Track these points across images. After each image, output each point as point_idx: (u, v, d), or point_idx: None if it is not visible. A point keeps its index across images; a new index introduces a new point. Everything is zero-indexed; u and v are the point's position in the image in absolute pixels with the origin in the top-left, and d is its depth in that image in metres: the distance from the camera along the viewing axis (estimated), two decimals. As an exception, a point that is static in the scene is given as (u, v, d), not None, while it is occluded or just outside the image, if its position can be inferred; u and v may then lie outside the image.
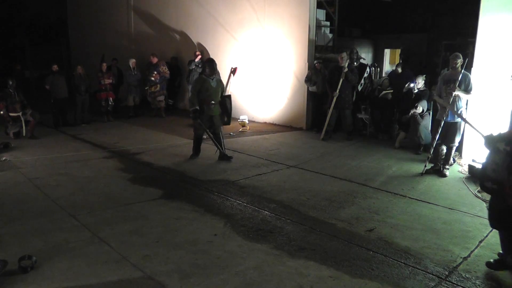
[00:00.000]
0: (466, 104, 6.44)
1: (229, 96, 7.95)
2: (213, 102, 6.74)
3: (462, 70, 6.13)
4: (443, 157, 6.42)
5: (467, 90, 6.11)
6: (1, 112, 8.73)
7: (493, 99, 6.47)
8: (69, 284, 3.36)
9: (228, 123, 7.78)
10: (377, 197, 5.43)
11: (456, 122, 6.23)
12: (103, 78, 10.71)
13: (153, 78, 11.20)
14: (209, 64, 6.90)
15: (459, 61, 6.12)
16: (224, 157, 7.04)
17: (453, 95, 6.09)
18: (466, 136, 6.93)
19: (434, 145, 6.50)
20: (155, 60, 11.35)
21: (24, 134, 8.76)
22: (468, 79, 6.12)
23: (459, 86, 6.09)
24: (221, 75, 10.79)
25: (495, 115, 6.44)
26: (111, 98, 10.84)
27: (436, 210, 5.00)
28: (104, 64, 10.90)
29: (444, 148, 6.40)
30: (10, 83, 8.77)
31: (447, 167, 6.36)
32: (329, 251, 3.95)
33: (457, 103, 6.18)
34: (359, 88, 8.99)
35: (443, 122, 6.22)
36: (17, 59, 15.68)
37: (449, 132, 6.29)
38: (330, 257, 3.83)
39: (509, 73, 6.23)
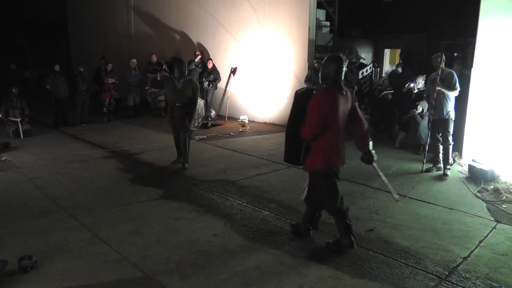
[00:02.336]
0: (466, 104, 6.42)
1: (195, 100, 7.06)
2: (177, 104, 6.47)
3: (446, 68, 6.20)
4: (442, 157, 6.41)
5: (450, 86, 6.10)
6: (0, 116, 8.96)
7: (493, 99, 6.47)
8: (69, 284, 3.36)
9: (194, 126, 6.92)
10: (377, 197, 5.43)
11: (446, 119, 6.19)
12: (106, 78, 10.74)
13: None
14: (178, 66, 6.53)
15: (440, 60, 6.15)
16: (182, 166, 6.64)
17: (436, 90, 6.11)
18: (466, 136, 6.93)
19: (428, 143, 6.53)
20: (155, 58, 11.37)
21: (22, 137, 8.83)
22: (451, 76, 6.12)
23: (442, 83, 6.11)
24: (221, 75, 10.87)
25: (495, 115, 6.45)
26: (113, 99, 10.90)
27: (436, 210, 5.00)
28: (110, 64, 10.93)
29: (441, 148, 6.39)
30: (14, 90, 9.08)
31: (448, 167, 6.34)
32: (329, 251, 3.94)
33: (443, 100, 6.14)
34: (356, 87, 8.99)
35: (431, 119, 6.29)
36: (17, 59, 15.67)
37: (439, 129, 6.29)
38: (330, 257, 3.83)
39: (509, 73, 6.24)
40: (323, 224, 4.57)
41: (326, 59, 3.88)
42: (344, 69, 3.81)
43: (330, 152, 3.82)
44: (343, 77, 3.81)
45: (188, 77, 6.67)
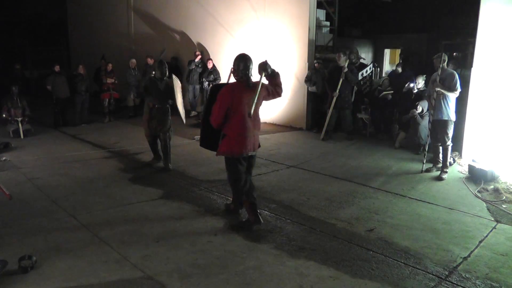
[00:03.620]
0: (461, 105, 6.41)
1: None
2: (157, 105, 6.51)
3: (447, 68, 6.18)
4: (441, 159, 6.37)
5: (450, 87, 6.05)
6: (4, 115, 8.96)
7: (493, 99, 6.47)
8: (69, 284, 3.37)
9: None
10: (377, 197, 5.43)
11: (444, 120, 6.15)
12: (105, 78, 10.73)
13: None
14: (159, 67, 6.57)
15: (442, 60, 6.12)
16: (165, 167, 6.60)
17: (436, 90, 6.09)
18: (466, 136, 6.93)
19: (427, 143, 6.51)
20: (151, 62, 11.36)
21: (22, 137, 8.83)
22: (452, 77, 6.05)
23: (443, 83, 6.08)
24: (221, 75, 10.86)
25: (495, 115, 6.45)
26: (113, 99, 10.90)
27: (436, 210, 5.00)
28: (110, 65, 10.92)
29: (440, 149, 6.36)
30: (14, 89, 9.07)
31: (445, 170, 6.24)
32: (329, 251, 3.95)
33: (442, 101, 6.12)
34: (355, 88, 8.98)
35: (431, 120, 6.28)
36: (17, 59, 15.68)
37: (437, 130, 6.26)
38: (330, 257, 3.84)
39: (509, 73, 6.23)
40: (322, 224, 4.57)
41: (236, 57, 4.35)
42: (251, 66, 4.27)
43: (235, 139, 4.24)
44: (250, 73, 4.27)
45: (167, 79, 6.63)
